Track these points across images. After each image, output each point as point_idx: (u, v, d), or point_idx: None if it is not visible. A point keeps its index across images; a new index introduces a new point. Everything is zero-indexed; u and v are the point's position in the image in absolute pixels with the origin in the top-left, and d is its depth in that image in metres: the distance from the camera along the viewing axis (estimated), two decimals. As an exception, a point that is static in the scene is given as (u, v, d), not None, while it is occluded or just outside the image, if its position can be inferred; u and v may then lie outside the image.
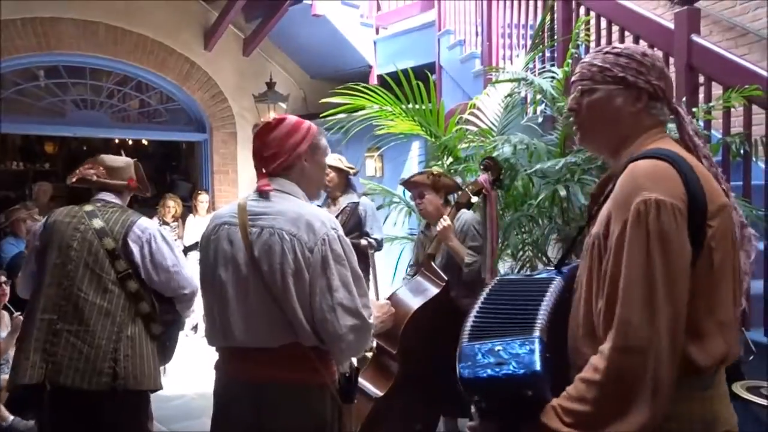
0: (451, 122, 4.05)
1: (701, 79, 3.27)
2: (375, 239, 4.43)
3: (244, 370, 1.87)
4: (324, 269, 1.78)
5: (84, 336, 2.44)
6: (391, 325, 2.23)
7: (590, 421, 1.21)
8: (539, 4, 4.52)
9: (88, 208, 2.62)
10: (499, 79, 3.91)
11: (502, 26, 4.98)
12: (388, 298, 2.86)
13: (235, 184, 7.79)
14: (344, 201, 4.49)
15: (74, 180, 2.67)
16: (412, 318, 2.68)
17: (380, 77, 6.82)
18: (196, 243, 6.63)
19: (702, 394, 1.28)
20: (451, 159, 4.00)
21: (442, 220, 3.14)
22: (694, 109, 3.05)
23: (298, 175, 1.97)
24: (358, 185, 4.74)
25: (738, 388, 2.02)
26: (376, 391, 2.68)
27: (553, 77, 3.52)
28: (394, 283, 4.51)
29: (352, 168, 4.59)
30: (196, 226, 6.74)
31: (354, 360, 2.25)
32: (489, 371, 1.27)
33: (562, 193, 3.03)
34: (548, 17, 4.14)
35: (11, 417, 3.43)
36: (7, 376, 3.19)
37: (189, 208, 7.13)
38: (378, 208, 4.54)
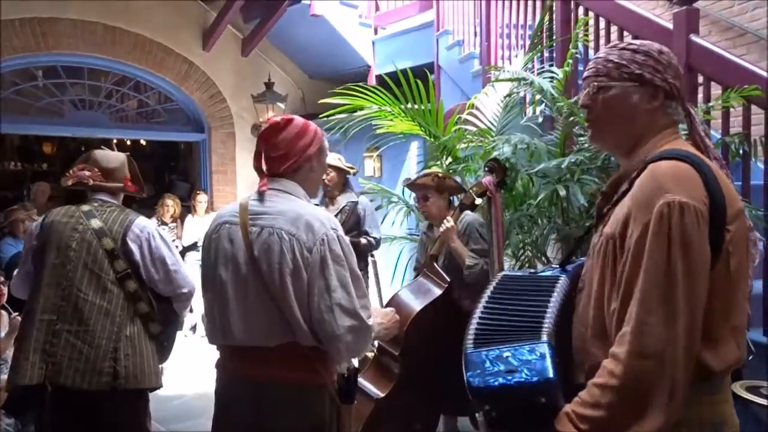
0: (450, 122, 4.05)
1: (700, 79, 3.27)
2: (374, 238, 4.44)
3: (244, 369, 1.88)
4: (322, 269, 1.78)
5: (84, 336, 2.44)
6: (396, 332, 2.23)
7: (606, 426, 1.19)
8: (538, 4, 4.52)
9: (85, 208, 2.61)
10: (499, 79, 3.91)
11: (500, 26, 4.99)
12: (391, 299, 2.86)
13: (233, 184, 7.79)
14: (343, 200, 4.49)
15: (70, 183, 2.66)
16: (414, 319, 2.67)
17: (379, 77, 6.82)
18: (195, 243, 6.63)
19: (711, 398, 1.27)
20: (450, 159, 4.01)
21: (445, 221, 3.14)
22: (693, 110, 3.05)
23: (303, 176, 1.97)
24: (356, 185, 4.75)
25: (738, 388, 2.02)
26: (377, 392, 2.67)
27: (552, 77, 3.52)
28: (394, 282, 4.51)
29: (351, 168, 4.59)
30: (195, 227, 6.74)
31: (354, 361, 2.26)
32: (500, 379, 1.24)
33: (562, 193, 3.03)
34: (547, 17, 4.14)
35: (9, 420, 3.42)
36: (5, 377, 3.19)
37: (188, 208, 7.13)
38: (377, 209, 4.54)
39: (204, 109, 7.60)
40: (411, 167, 5.89)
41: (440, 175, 3.33)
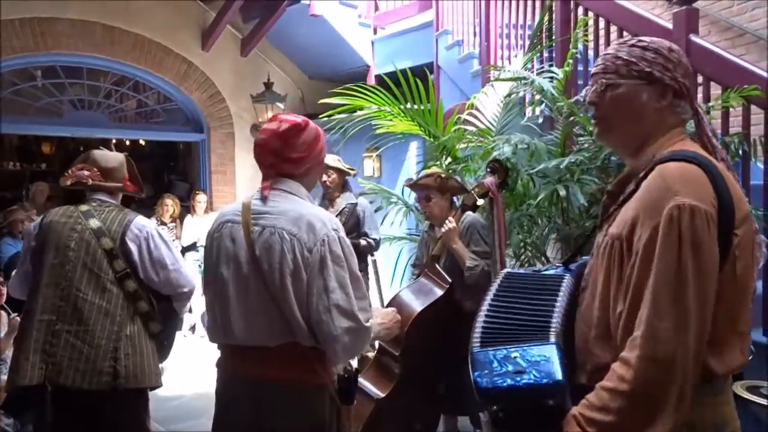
0: (450, 122, 4.05)
1: (700, 79, 3.27)
2: (374, 239, 4.44)
3: (244, 369, 1.88)
4: (321, 270, 1.78)
5: (84, 336, 2.44)
6: (397, 332, 2.23)
7: (614, 431, 1.19)
8: (537, 4, 4.52)
9: (83, 208, 2.61)
10: (499, 78, 3.91)
11: (500, 26, 4.99)
12: (392, 299, 2.86)
13: (232, 184, 7.78)
14: (342, 202, 4.49)
15: (69, 183, 2.66)
16: (415, 320, 2.67)
17: (378, 77, 6.82)
18: (194, 243, 6.64)
19: (713, 399, 1.26)
20: (449, 159, 4.01)
21: (447, 221, 3.13)
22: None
23: (309, 177, 1.99)
24: (355, 186, 4.75)
25: (738, 388, 2.02)
26: (377, 392, 2.67)
27: (552, 77, 3.52)
28: (394, 282, 4.51)
29: (351, 169, 4.60)
30: (194, 227, 6.74)
31: (353, 361, 2.26)
32: (509, 380, 1.23)
33: (562, 193, 3.03)
34: (546, 17, 4.14)
35: (9, 420, 3.41)
36: (5, 377, 3.19)
37: (187, 209, 7.13)
38: (376, 210, 4.54)
39: (203, 109, 7.59)
40: (410, 167, 5.89)
41: (443, 175, 3.32)
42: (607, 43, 3.84)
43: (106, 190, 2.69)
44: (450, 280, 2.89)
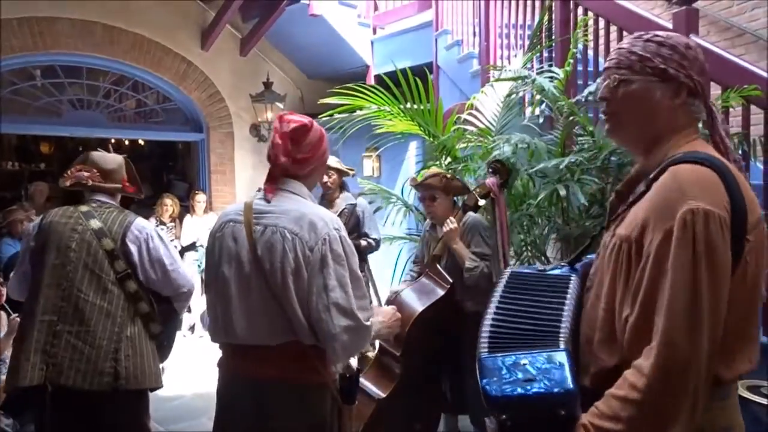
0: (449, 122, 4.05)
1: (699, 79, 3.27)
2: (374, 239, 4.45)
3: (245, 368, 1.88)
4: (321, 268, 1.79)
5: (85, 336, 2.44)
6: (398, 331, 2.23)
7: None
8: (537, 4, 4.53)
9: (84, 208, 2.61)
10: (500, 78, 3.91)
11: (499, 26, 4.99)
12: (392, 299, 2.86)
13: (232, 184, 7.77)
14: (342, 203, 4.50)
15: (68, 184, 2.66)
16: (416, 320, 2.67)
17: (378, 77, 6.82)
18: (194, 243, 6.63)
19: (721, 403, 1.24)
20: (449, 159, 4.01)
21: (448, 221, 3.13)
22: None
23: (312, 178, 2.01)
24: (353, 186, 4.76)
25: (738, 387, 2.02)
26: (378, 392, 2.67)
27: (552, 77, 3.52)
28: (393, 282, 4.52)
29: (351, 169, 4.61)
30: (194, 226, 6.74)
31: (353, 361, 2.26)
32: (519, 389, 1.19)
33: (562, 192, 3.03)
34: (546, 17, 4.14)
35: (8, 420, 3.41)
36: (5, 378, 3.18)
37: (186, 208, 7.13)
38: (376, 210, 4.55)
39: (202, 109, 7.59)
40: (410, 167, 5.89)
41: (448, 176, 3.32)
42: (607, 43, 3.84)
43: (105, 191, 2.69)
44: (451, 281, 2.89)
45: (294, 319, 1.79)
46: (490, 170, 3.12)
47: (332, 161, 4.31)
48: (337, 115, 3.98)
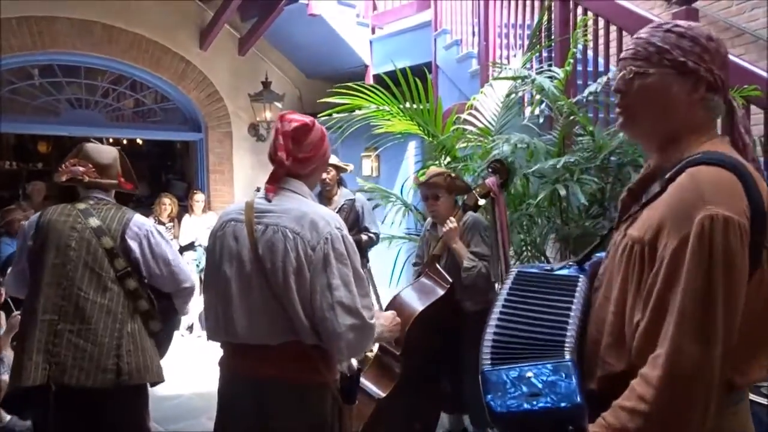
0: (449, 122, 4.05)
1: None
2: (374, 233, 4.47)
3: (246, 367, 1.88)
4: (325, 267, 1.79)
5: (86, 335, 2.44)
6: (398, 335, 2.23)
7: None
8: (536, 3, 4.53)
9: (81, 206, 2.59)
10: (500, 77, 3.91)
11: (498, 26, 4.99)
12: (393, 299, 2.86)
13: (230, 183, 7.77)
14: (340, 199, 4.52)
15: (64, 179, 2.63)
16: (416, 319, 2.68)
17: (377, 77, 6.82)
18: (192, 243, 6.62)
19: (733, 408, 1.21)
20: (448, 158, 4.01)
21: (448, 221, 3.13)
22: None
23: (313, 177, 2.01)
24: (350, 183, 4.78)
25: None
26: (378, 392, 2.67)
27: (552, 77, 3.52)
28: (392, 281, 4.52)
29: (347, 166, 4.63)
30: (192, 226, 6.73)
31: (354, 361, 2.26)
32: (525, 405, 1.15)
33: (562, 192, 3.03)
34: (545, 17, 4.14)
35: (8, 417, 3.40)
36: (4, 377, 3.17)
37: (185, 208, 7.12)
38: (374, 207, 4.55)
39: (201, 108, 7.58)
40: (409, 167, 5.89)
41: (452, 175, 3.32)
42: (607, 42, 3.84)
43: (101, 187, 2.67)
44: (451, 280, 2.89)
45: (295, 319, 1.79)
46: (490, 170, 3.11)
47: (331, 158, 4.32)
48: (336, 115, 3.98)
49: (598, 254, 1.48)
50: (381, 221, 4.66)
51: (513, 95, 3.93)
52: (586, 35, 3.86)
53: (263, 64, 7.78)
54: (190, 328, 6.52)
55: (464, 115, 4.12)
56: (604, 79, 3.27)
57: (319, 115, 4.04)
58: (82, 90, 7.13)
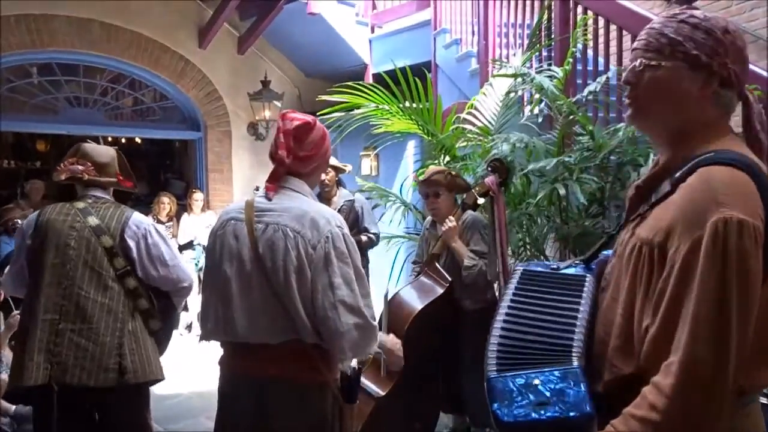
0: (448, 121, 4.05)
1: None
2: (374, 234, 4.46)
3: (246, 367, 1.88)
4: (326, 266, 1.78)
5: (88, 334, 2.43)
6: (402, 363, 2.22)
7: None
8: (536, 3, 4.52)
9: (80, 205, 2.59)
10: (499, 74, 3.91)
11: (498, 25, 4.99)
12: (392, 298, 2.86)
13: (229, 182, 7.76)
14: (339, 200, 4.51)
15: (62, 177, 2.63)
16: (415, 318, 2.68)
17: (376, 76, 6.81)
18: (191, 242, 6.62)
19: (746, 410, 1.18)
20: (448, 158, 4.01)
21: (447, 220, 3.14)
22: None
23: (314, 176, 2.01)
24: (349, 183, 4.78)
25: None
26: (378, 391, 2.67)
27: (552, 76, 3.52)
28: (391, 280, 4.52)
29: (346, 166, 4.63)
30: (191, 225, 6.73)
31: (354, 360, 2.25)
32: (532, 414, 1.11)
33: (562, 191, 3.03)
34: (545, 16, 4.14)
35: (13, 407, 3.39)
36: (3, 376, 3.17)
37: (183, 207, 7.11)
38: (373, 207, 4.55)
39: (200, 107, 7.57)
40: (408, 166, 5.89)
41: (453, 173, 3.32)
42: (607, 42, 3.84)
43: (100, 185, 2.67)
44: (450, 279, 2.89)
45: (296, 318, 1.78)
46: (489, 169, 3.11)
47: (330, 159, 4.32)
48: (335, 114, 3.97)
49: (604, 252, 1.44)
50: (380, 221, 4.66)
51: (512, 94, 3.93)
52: (585, 34, 3.86)
53: (262, 63, 7.77)
54: (189, 327, 6.52)
55: (464, 115, 4.12)
56: (604, 78, 3.27)
57: (318, 114, 4.05)
58: (80, 88, 7.11)
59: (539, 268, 1.45)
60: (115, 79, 7.26)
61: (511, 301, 1.34)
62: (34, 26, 6.39)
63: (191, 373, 4.85)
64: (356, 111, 4.01)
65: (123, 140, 9.56)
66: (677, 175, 1.18)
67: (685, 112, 1.22)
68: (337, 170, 4.56)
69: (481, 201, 3.09)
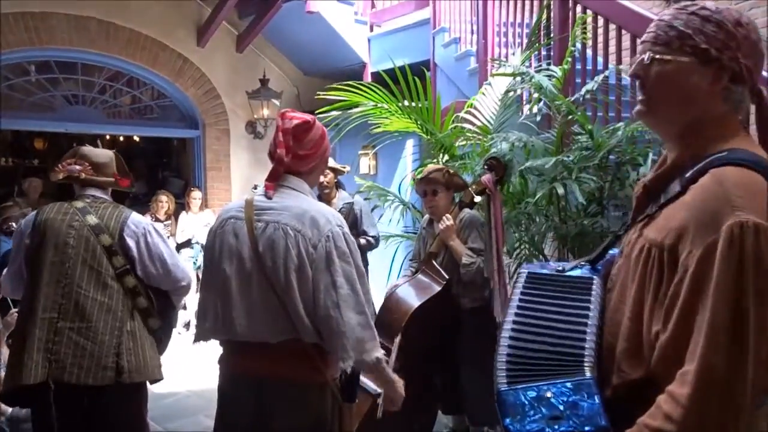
0: (447, 120, 4.05)
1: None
2: (373, 237, 4.46)
3: (245, 366, 1.88)
4: (328, 266, 1.78)
5: (86, 332, 2.43)
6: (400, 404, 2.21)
7: None
8: (535, 2, 4.52)
9: (79, 204, 2.59)
10: (498, 73, 3.91)
11: (497, 24, 4.99)
12: (390, 295, 2.86)
13: (228, 180, 7.75)
14: (339, 202, 4.51)
15: (60, 177, 2.64)
16: (412, 316, 2.68)
17: (375, 74, 6.81)
18: (189, 240, 6.61)
19: (758, 411, 1.12)
20: (446, 156, 4.01)
21: (444, 218, 3.14)
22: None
23: (313, 175, 2.01)
24: (348, 184, 4.77)
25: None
26: (375, 388, 2.67)
27: (551, 75, 3.52)
28: (390, 280, 4.52)
29: (344, 167, 4.63)
30: (189, 223, 6.72)
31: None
32: (547, 429, 1.08)
33: (560, 191, 3.03)
34: (544, 15, 4.14)
35: (9, 409, 3.38)
36: (1, 373, 3.16)
37: (182, 205, 7.10)
38: (373, 209, 4.55)
39: (198, 106, 7.56)
40: (407, 165, 5.89)
41: (451, 171, 3.32)
42: (606, 41, 3.84)
43: (98, 184, 2.68)
44: (447, 277, 2.90)
45: (296, 317, 1.78)
46: (486, 167, 3.12)
47: (329, 160, 4.32)
48: (333, 112, 3.97)
49: (611, 252, 1.41)
50: (378, 220, 4.65)
51: (511, 93, 3.93)
52: (585, 34, 3.86)
53: (261, 61, 7.77)
54: (187, 326, 6.51)
55: (462, 114, 4.12)
56: (602, 77, 3.27)
57: (316, 112, 4.04)
58: (78, 86, 7.09)
59: (545, 271, 1.41)
60: (114, 77, 7.25)
61: (518, 307, 1.30)
62: (32, 24, 6.37)
63: (189, 371, 4.84)
64: (355, 110, 4.01)
65: (121, 138, 9.56)
66: (688, 175, 1.14)
67: (694, 108, 1.18)
68: (336, 172, 4.55)
69: (477, 199, 3.09)
